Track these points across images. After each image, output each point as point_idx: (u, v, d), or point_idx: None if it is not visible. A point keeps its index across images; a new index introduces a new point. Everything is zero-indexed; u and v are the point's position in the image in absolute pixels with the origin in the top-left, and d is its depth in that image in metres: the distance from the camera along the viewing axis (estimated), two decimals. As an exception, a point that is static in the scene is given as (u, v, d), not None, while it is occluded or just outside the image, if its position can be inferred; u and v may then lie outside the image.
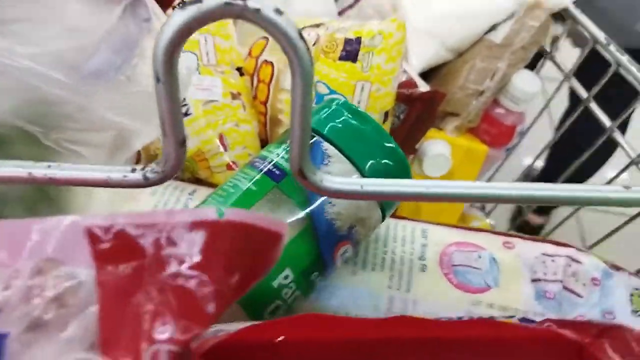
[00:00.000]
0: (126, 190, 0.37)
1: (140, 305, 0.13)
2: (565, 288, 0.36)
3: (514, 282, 0.36)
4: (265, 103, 0.45)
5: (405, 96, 0.45)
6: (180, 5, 0.16)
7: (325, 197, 0.30)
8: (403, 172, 0.33)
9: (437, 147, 0.51)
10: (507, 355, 0.19)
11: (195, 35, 0.43)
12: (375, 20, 0.39)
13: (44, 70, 0.25)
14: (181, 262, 0.14)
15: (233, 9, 0.16)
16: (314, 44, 0.41)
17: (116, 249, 0.14)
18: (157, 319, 0.13)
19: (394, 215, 0.39)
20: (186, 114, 0.41)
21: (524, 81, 0.54)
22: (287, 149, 0.32)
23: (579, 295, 0.36)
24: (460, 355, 0.19)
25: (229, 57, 0.44)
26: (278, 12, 0.17)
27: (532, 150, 0.60)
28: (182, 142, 0.19)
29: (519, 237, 0.39)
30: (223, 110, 0.41)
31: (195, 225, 0.14)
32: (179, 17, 0.16)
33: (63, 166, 0.19)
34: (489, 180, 0.64)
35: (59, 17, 0.35)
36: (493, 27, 0.55)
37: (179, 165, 0.19)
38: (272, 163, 0.31)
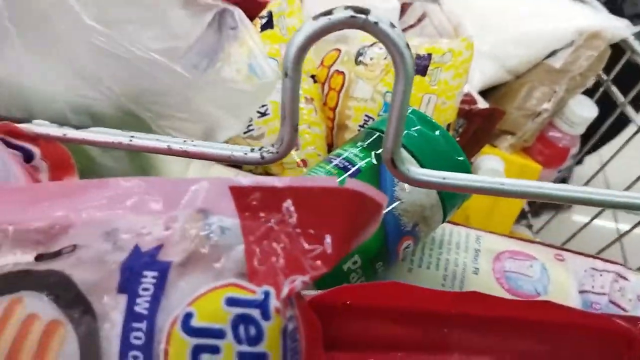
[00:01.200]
0: (210, 171, 0.41)
1: (277, 248, 0.17)
2: (611, 302, 0.38)
3: (562, 291, 0.38)
4: (334, 109, 0.48)
5: (466, 111, 0.48)
6: (313, 17, 0.20)
7: (395, 194, 0.33)
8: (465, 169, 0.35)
9: (492, 162, 0.53)
10: (565, 337, 0.21)
11: (276, 45, 0.47)
12: (445, 39, 0.42)
13: (166, 61, 0.29)
14: (308, 218, 0.17)
15: (356, 20, 0.20)
16: (385, 58, 0.44)
17: (256, 203, 0.18)
18: (291, 258, 0.16)
19: (450, 222, 0.42)
20: (264, 114, 0.45)
21: (580, 106, 0.56)
22: (362, 148, 0.35)
23: (624, 310, 0.38)
24: (525, 333, 0.22)
25: (306, 65, 0.47)
26: (392, 25, 0.20)
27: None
28: (296, 128, 0.23)
29: (570, 251, 0.41)
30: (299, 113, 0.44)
31: (320, 191, 0.18)
32: (311, 25, 0.20)
33: (196, 142, 0.23)
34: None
35: (160, 21, 0.40)
36: (553, 53, 0.57)
37: (291, 148, 0.23)
38: (347, 160, 0.34)
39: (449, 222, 0.42)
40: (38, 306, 0.17)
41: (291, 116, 0.22)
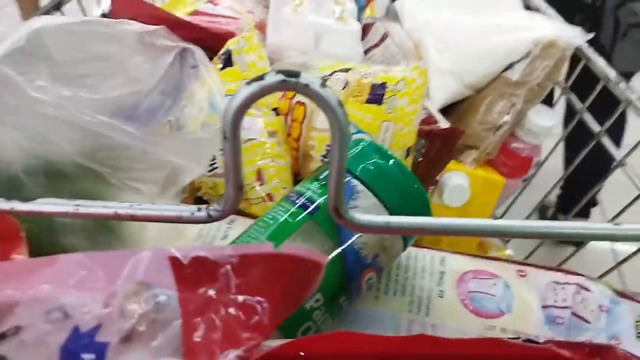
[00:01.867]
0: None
1: (214, 319, 0.18)
2: (574, 314, 0.39)
3: (525, 308, 0.39)
4: (297, 140, 0.49)
5: (426, 132, 0.49)
6: (247, 82, 0.21)
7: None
8: (423, 205, 0.36)
9: (457, 178, 0.54)
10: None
11: (237, 82, 0.48)
12: (398, 67, 0.44)
13: (116, 122, 0.29)
14: (245, 286, 0.18)
15: (288, 84, 0.21)
16: (344, 88, 0.45)
17: (194, 275, 0.19)
18: (228, 330, 0.17)
19: (414, 245, 0.43)
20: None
21: (539, 116, 0.58)
22: (321, 184, 0.36)
23: (586, 321, 0.39)
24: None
25: (268, 99, 0.48)
26: (323, 85, 0.21)
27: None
28: (240, 187, 0.23)
29: (533, 265, 0.42)
30: (261, 147, 0.45)
31: (257, 257, 0.18)
32: (245, 90, 0.21)
33: (143, 206, 0.24)
34: (507, 208, 0.67)
35: (122, 70, 0.41)
36: (510, 65, 0.59)
37: (237, 205, 0.24)
38: (306, 198, 0.35)
39: (413, 245, 0.42)
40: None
41: (234, 176, 0.23)
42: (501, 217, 0.72)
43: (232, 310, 0.18)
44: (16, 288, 0.20)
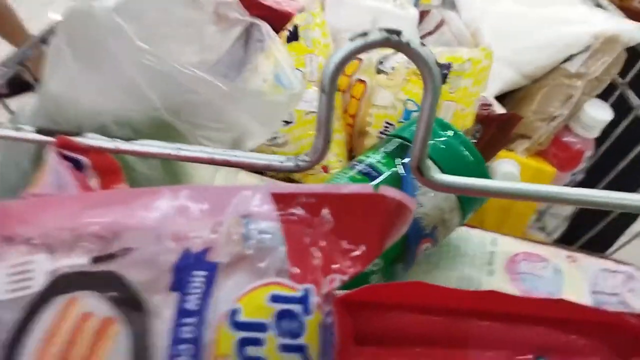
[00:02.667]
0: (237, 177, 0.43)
1: (316, 249, 0.19)
2: (621, 302, 0.40)
3: (575, 292, 0.40)
4: (354, 116, 0.50)
5: (483, 117, 0.50)
6: (350, 37, 0.22)
7: (417, 199, 0.35)
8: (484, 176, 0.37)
9: (507, 166, 0.55)
10: (578, 333, 0.23)
11: (301, 56, 0.50)
12: (464, 48, 0.44)
13: (206, 75, 0.31)
14: (344, 223, 0.20)
15: (390, 41, 0.22)
16: (406, 67, 0.46)
17: (295, 209, 0.20)
18: (330, 258, 0.19)
19: (466, 224, 0.44)
20: (288, 122, 0.47)
21: (595, 110, 0.58)
22: (385, 155, 0.37)
23: (633, 309, 0.39)
24: (540, 330, 0.24)
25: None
26: (422, 44, 0.22)
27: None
28: (328, 141, 0.25)
29: (583, 252, 0.43)
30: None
31: (356, 197, 0.20)
32: (349, 46, 0.22)
33: (236, 153, 0.25)
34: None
35: (197, 37, 0.43)
36: (569, 57, 0.58)
37: (324, 157, 0.25)
38: (370, 166, 0.37)
39: (465, 225, 0.43)
40: (93, 305, 0.20)
41: (325, 129, 0.24)
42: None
43: (333, 242, 0.19)
44: (123, 214, 0.22)
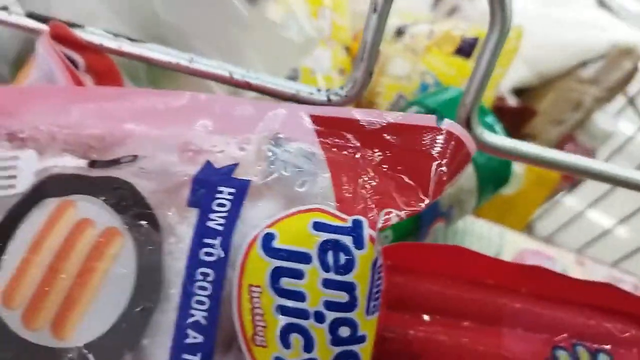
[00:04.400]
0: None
1: (366, 181, 0.15)
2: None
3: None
4: (363, 86, 0.47)
5: (497, 107, 0.47)
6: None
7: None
8: (507, 168, 0.35)
9: (513, 165, 0.52)
10: (623, 319, 0.21)
11: (315, 7, 0.46)
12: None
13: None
14: (400, 154, 0.16)
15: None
16: (429, 37, 0.43)
17: (339, 135, 0.16)
18: (383, 191, 0.15)
19: (474, 214, 0.41)
20: (293, 79, 0.43)
21: (603, 120, 0.56)
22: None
23: None
24: (580, 315, 0.21)
25: (342, 34, 0.46)
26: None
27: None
28: (371, 73, 0.21)
29: (591, 258, 0.40)
30: (331, 82, 0.43)
31: (415, 128, 0.16)
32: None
33: (260, 76, 0.21)
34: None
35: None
36: (584, 63, 0.57)
37: (361, 93, 0.21)
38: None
39: (474, 214, 0.40)
40: (92, 211, 0.15)
41: (369, 57, 0.21)
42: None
43: (386, 176, 0.16)
44: (128, 116, 0.18)
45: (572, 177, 0.60)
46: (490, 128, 0.34)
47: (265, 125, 0.17)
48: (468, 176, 0.33)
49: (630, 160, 0.55)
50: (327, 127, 0.17)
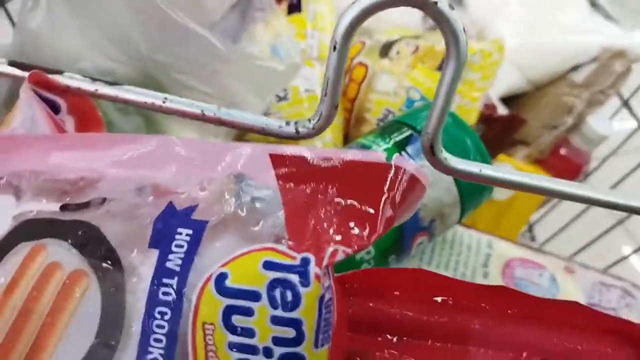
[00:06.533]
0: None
1: (318, 217, 0.16)
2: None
3: (570, 303, 0.38)
4: (353, 101, 0.48)
5: (486, 116, 0.48)
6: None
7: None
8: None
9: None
10: (589, 338, 0.21)
11: (302, 30, 0.47)
12: (475, 40, 0.42)
13: (200, 29, 0.28)
14: (351, 190, 0.17)
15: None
16: (413, 53, 0.44)
17: (296, 174, 0.17)
18: (333, 228, 0.16)
19: (463, 224, 0.41)
20: (283, 99, 0.45)
21: (597, 123, 0.56)
22: (388, 140, 0.34)
23: (631, 328, 0.37)
24: (547, 333, 0.21)
25: (330, 53, 0.47)
26: (451, 7, 0.19)
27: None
28: (336, 106, 0.22)
29: (580, 264, 0.41)
30: (317, 101, 0.44)
31: (366, 165, 0.17)
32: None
33: (230, 111, 0.22)
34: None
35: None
36: (576, 67, 0.57)
37: (328, 125, 0.22)
38: (366, 148, 0.34)
39: (461, 224, 0.41)
40: (62, 255, 0.17)
41: (333, 93, 0.22)
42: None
43: (337, 212, 0.17)
44: (100, 161, 0.19)
45: (570, 179, 0.60)
46: (468, 150, 0.34)
47: (227, 165, 0.18)
48: (449, 190, 0.34)
49: (625, 163, 0.55)
50: (285, 166, 0.18)
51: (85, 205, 0.18)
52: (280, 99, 0.45)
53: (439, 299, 0.22)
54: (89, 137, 0.22)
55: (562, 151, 0.57)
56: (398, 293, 0.22)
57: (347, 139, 0.49)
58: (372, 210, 0.16)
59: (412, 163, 0.18)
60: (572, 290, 0.38)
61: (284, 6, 0.48)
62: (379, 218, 0.16)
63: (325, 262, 0.15)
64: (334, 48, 0.21)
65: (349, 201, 0.17)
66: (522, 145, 0.56)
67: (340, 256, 0.15)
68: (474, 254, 0.39)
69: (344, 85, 0.49)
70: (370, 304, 0.22)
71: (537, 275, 0.39)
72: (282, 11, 0.48)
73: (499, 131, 0.48)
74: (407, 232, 0.33)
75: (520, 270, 0.39)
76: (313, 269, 0.15)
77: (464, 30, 0.20)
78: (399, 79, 0.43)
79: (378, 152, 0.17)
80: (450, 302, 0.22)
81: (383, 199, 0.17)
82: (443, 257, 0.39)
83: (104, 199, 0.18)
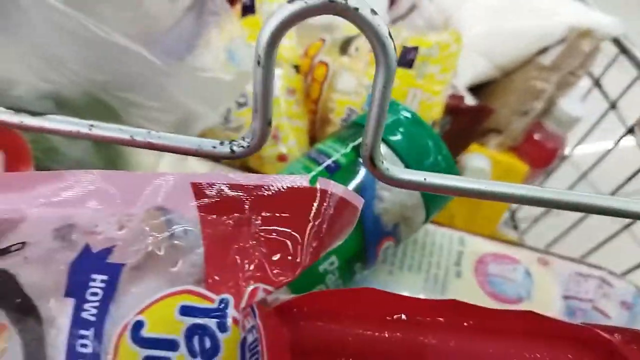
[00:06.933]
0: (184, 164, 0.39)
1: (240, 252, 0.15)
2: (595, 308, 0.37)
3: (546, 296, 0.37)
4: (316, 101, 0.47)
5: (452, 107, 0.47)
6: (289, 0, 0.18)
7: (377, 193, 0.31)
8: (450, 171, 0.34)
9: (478, 161, 0.52)
10: (546, 348, 0.20)
11: (257, 32, 0.45)
12: (432, 32, 0.41)
13: (134, 46, 0.27)
14: (275, 220, 0.16)
15: (336, 6, 0.18)
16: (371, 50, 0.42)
17: (219, 203, 0.16)
18: (255, 264, 0.15)
19: (433, 222, 0.41)
20: (243, 105, 0.43)
21: (569, 105, 0.55)
22: (343, 143, 0.33)
23: (607, 316, 0.37)
24: (505, 343, 0.21)
25: (289, 54, 0.46)
26: (373, 12, 0.18)
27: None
28: (269, 122, 0.21)
29: (555, 255, 0.40)
30: (279, 105, 0.43)
31: (290, 191, 0.16)
32: (286, 10, 0.18)
33: (161, 134, 0.21)
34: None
35: (135, 2, 0.38)
36: (543, 50, 0.56)
37: (263, 142, 0.21)
38: (326, 155, 0.33)
39: (432, 222, 0.40)
40: (-23, 308, 0.16)
41: (263, 108, 0.20)
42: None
43: (260, 244, 0.16)
44: (20, 202, 0.18)
45: (545, 164, 0.59)
46: (429, 151, 0.33)
47: (146, 198, 0.17)
48: (410, 193, 0.33)
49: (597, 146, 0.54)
50: (206, 197, 0.17)
51: (5, 252, 0.17)
52: (240, 105, 0.44)
53: (392, 316, 0.21)
54: (10, 177, 0.20)
55: (536, 136, 0.57)
56: (350, 313, 0.21)
57: (313, 141, 0.48)
58: (297, 241, 0.15)
59: (340, 185, 0.17)
60: (547, 283, 0.38)
61: (238, 8, 0.47)
62: (303, 250, 0.15)
63: (244, 303, 0.14)
64: (258, 63, 0.20)
65: (273, 233, 0.16)
66: (494, 134, 0.55)
67: (260, 295, 0.14)
68: (446, 253, 0.38)
69: (307, 86, 0.48)
70: (322, 326, 0.21)
71: (511, 270, 0.38)
72: (236, 13, 0.47)
73: (467, 122, 0.47)
74: (370, 239, 0.32)
75: (494, 267, 0.38)
76: (231, 312, 0.14)
77: (389, 35, 0.19)
78: (359, 76, 0.42)
79: (302, 176, 0.16)
80: (404, 318, 0.21)
81: (308, 228, 0.15)
82: (415, 260, 0.38)
83: (23, 243, 0.17)
